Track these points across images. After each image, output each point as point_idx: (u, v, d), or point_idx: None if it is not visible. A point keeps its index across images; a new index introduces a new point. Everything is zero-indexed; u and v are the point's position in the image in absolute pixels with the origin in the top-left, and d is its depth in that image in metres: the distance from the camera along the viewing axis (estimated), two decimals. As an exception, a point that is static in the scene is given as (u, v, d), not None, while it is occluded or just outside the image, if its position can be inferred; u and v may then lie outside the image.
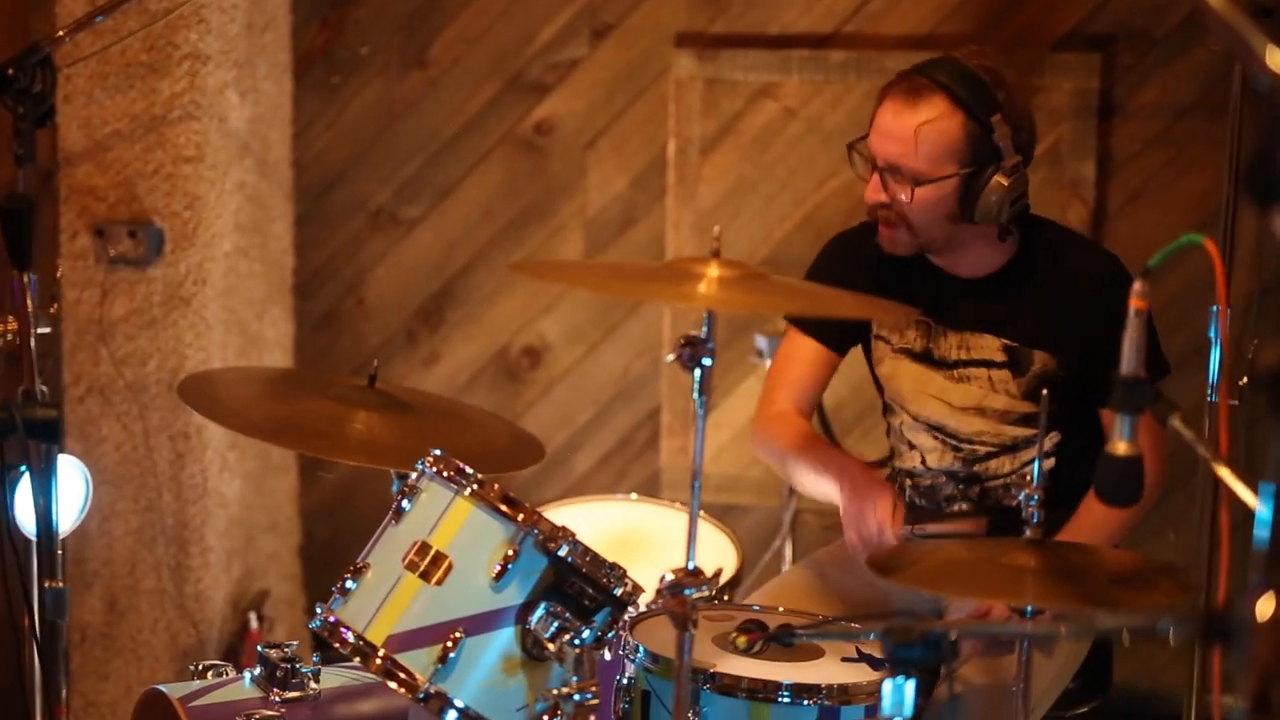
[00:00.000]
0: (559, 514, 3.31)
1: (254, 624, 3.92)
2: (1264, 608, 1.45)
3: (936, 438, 2.97)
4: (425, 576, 2.36)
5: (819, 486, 2.90)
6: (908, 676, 1.95)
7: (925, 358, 2.96)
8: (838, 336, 3.04)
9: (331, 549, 4.33)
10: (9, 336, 2.95)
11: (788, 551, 3.92)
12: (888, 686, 1.97)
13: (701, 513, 3.13)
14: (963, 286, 2.94)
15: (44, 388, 2.58)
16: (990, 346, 2.91)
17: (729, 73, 4.10)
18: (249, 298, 4.01)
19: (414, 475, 2.46)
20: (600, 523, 3.31)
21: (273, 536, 4.17)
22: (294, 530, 4.29)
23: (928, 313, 2.93)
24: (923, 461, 3.01)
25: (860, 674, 2.54)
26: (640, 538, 3.26)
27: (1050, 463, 2.92)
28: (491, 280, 4.28)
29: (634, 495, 3.51)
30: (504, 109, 4.22)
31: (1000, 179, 2.79)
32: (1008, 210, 2.82)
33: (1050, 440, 2.90)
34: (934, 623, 1.94)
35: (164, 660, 3.84)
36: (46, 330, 2.69)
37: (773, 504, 4.07)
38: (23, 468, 2.74)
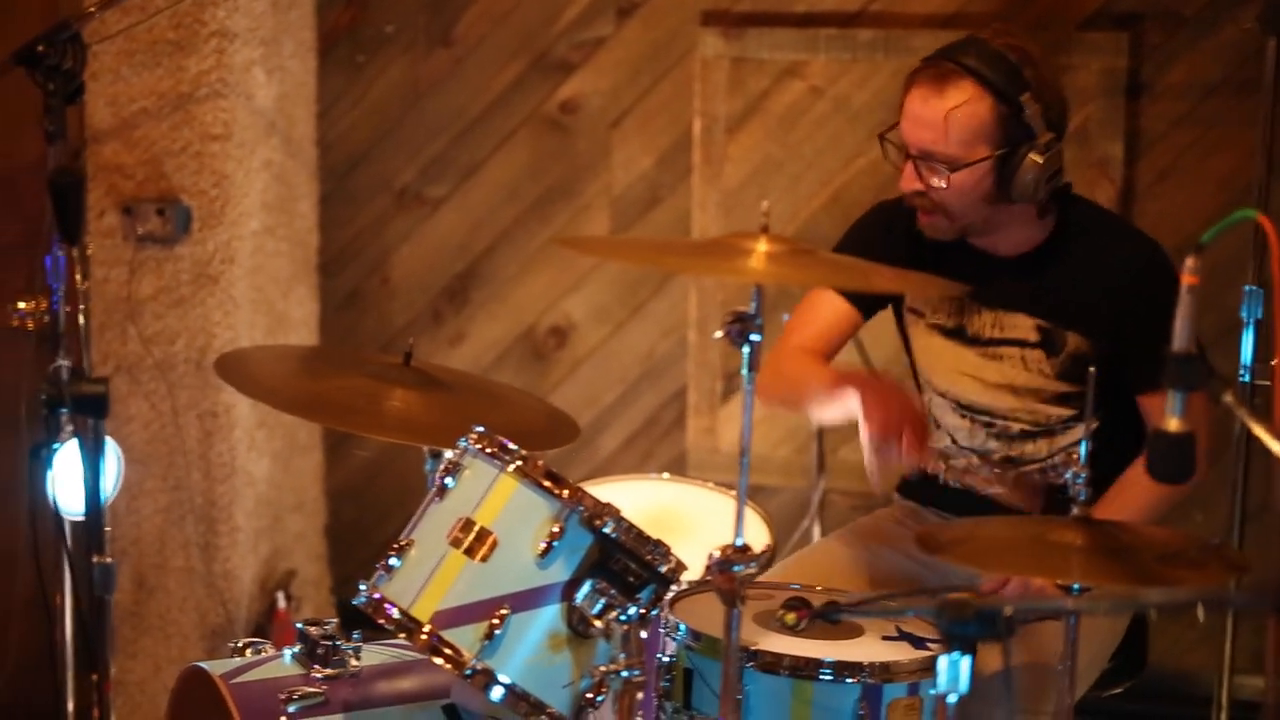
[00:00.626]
0: (593, 493, 3.29)
1: (282, 603, 3.92)
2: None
3: (965, 416, 2.96)
4: (470, 553, 2.35)
5: (837, 408, 2.82)
6: (963, 652, 1.95)
7: (958, 334, 2.96)
8: (865, 298, 3.02)
9: (357, 529, 4.33)
10: (39, 314, 2.94)
11: (816, 532, 3.92)
12: (943, 663, 1.96)
13: (734, 491, 3.15)
14: (999, 265, 2.93)
15: (70, 364, 2.58)
16: (1024, 326, 2.90)
17: (755, 51, 4.09)
18: (275, 276, 4.00)
19: (456, 452, 2.46)
20: (633, 502, 3.29)
21: (299, 516, 4.17)
22: (320, 510, 4.29)
23: (962, 290, 2.92)
24: (953, 440, 3.00)
25: (902, 652, 2.54)
26: (674, 517, 3.25)
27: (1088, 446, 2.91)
28: (517, 259, 4.27)
29: (665, 474, 3.50)
30: (529, 88, 4.21)
31: (1035, 157, 2.78)
32: (1045, 187, 2.81)
33: (1088, 425, 2.89)
34: (989, 599, 1.93)
35: (193, 639, 3.84)
36: (69, 309, 2.69)
37: (800, 485, 4.07)
38: (57, 445, 2.74)
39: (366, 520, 4.32)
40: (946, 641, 1.96)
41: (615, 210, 4.20)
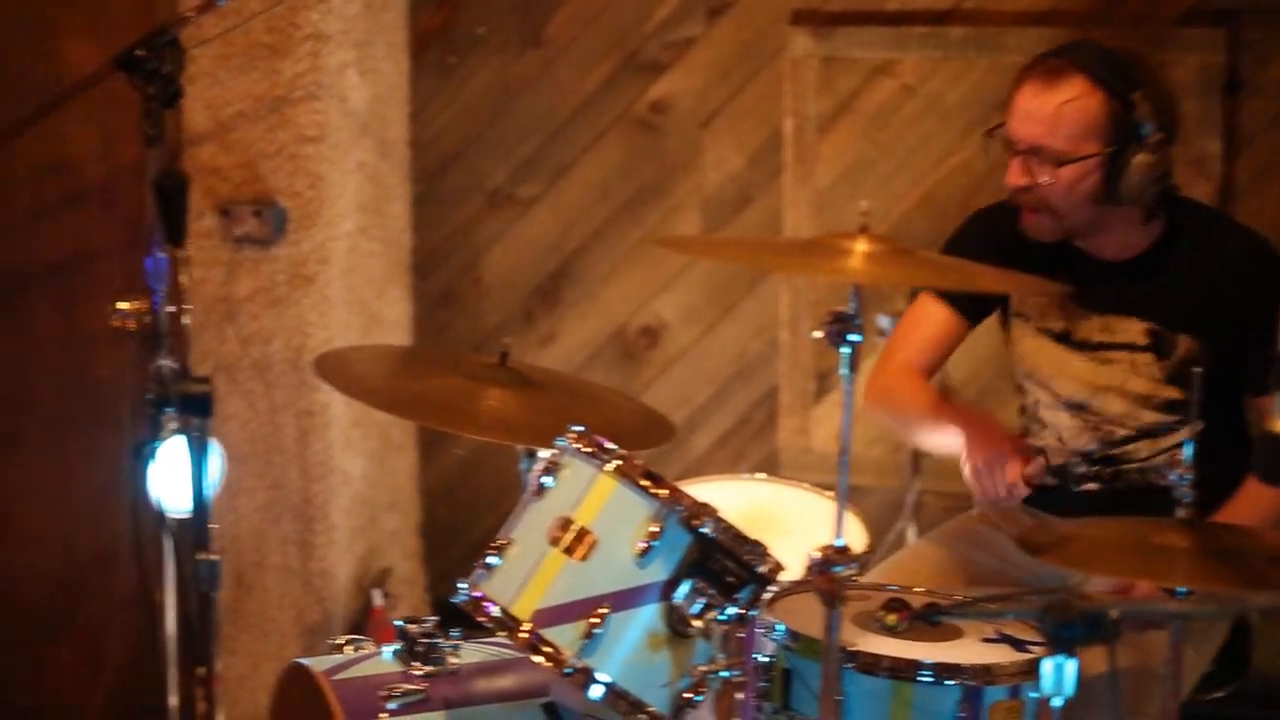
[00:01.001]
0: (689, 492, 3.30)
1: (378, 601, 3.95)
2: None
3: (1076, 416, 2.94)
4: (570, 552, 2.36)
5: (940, 439, 2.85)
6: (1069, 655, 1.93)
7: (1065, 339, 2.93)
8: (972, 305, 3.01)
9: (451, 528, 4.36)
10: (140, 315, 2.98)
11: (910, 533, 3.90)
12: (1048, 666, 1.94)
13: (831, 492, 3.14)
14: (1106, 269, 2.90)
15: (175, 364, 2.62)
16: (1134, 330, 2.87)
17: (845, 50, 4.07)
18: (369, 277, 4.04)
19: (555, 451, 2.47)
20: (728, 502, 3.29)
21: (394, 514, 4.20)
22: (414, 509, 4.32)
23: (1069, 294, 2.90)
24: (1059, 440, 2.98)
25: (1003, 654, 2.52)
26: (770, 517, 3.25)
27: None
28: (608, 259, 4.28)
29: (759, 475, 3.49)
30: (620, 88, 4.22)
31: (1144, 156, 2.75)
32: (1152, 190, 2.78)
33: (1190, 430, 2.86)
34: (1095, 601, 1.91)
35: (290, 636, 3.88)
36: (173, 309, 2.72)
37: (894, 485, 4.05)
38: (159, 443, 2.78)
39: (460, 519, 4.34)
40: (1051, 644, 1.95)
41: (706, 210, 4.20)
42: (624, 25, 4.20)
